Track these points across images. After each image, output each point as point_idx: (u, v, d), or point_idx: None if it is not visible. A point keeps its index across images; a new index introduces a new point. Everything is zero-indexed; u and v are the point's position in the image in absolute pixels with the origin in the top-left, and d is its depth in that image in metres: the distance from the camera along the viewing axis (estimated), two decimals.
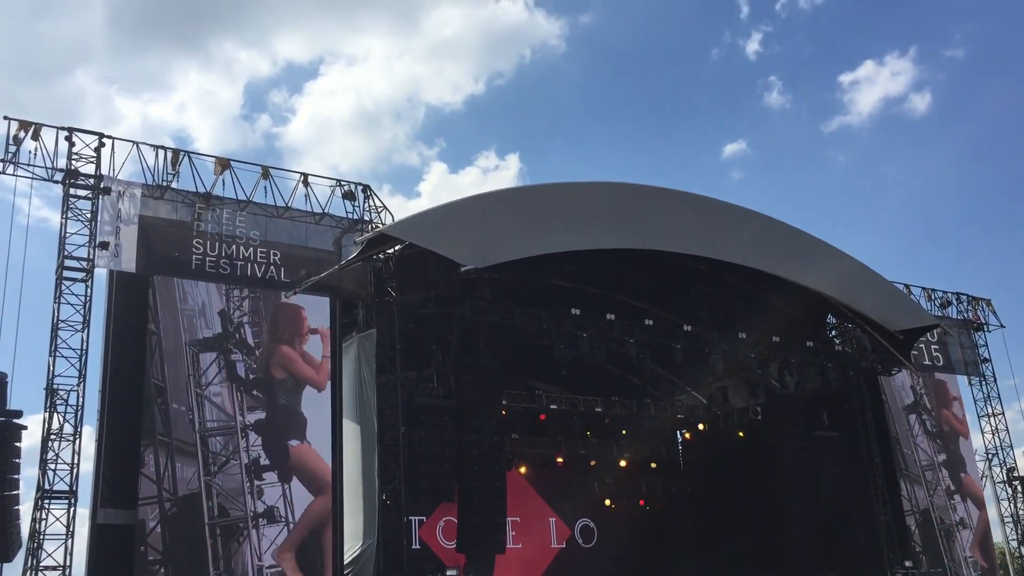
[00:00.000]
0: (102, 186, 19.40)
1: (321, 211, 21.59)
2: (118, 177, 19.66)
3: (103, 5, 71.29)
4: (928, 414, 29.32)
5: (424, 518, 25.96)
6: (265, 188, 20.90)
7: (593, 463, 30.17)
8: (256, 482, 17.50)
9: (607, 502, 30.75)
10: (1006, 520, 30.06)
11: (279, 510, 17.89)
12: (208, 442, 17.42)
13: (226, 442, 17.59)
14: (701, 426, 31.77)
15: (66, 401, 18.01)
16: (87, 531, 17.67)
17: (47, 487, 17.51)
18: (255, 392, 18.30)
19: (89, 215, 19.17)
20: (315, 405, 19.94)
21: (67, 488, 17.64)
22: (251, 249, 20.59)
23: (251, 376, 18.65)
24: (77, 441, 17.96)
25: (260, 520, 17.34)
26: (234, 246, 20.41)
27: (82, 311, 18.62)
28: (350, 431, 21.07)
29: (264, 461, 17.81)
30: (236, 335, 18.74)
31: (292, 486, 18.37)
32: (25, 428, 17.27)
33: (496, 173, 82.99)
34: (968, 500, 28.91)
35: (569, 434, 29.33)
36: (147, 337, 17.76)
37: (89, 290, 18.79)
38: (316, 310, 20.59)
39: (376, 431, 20.66)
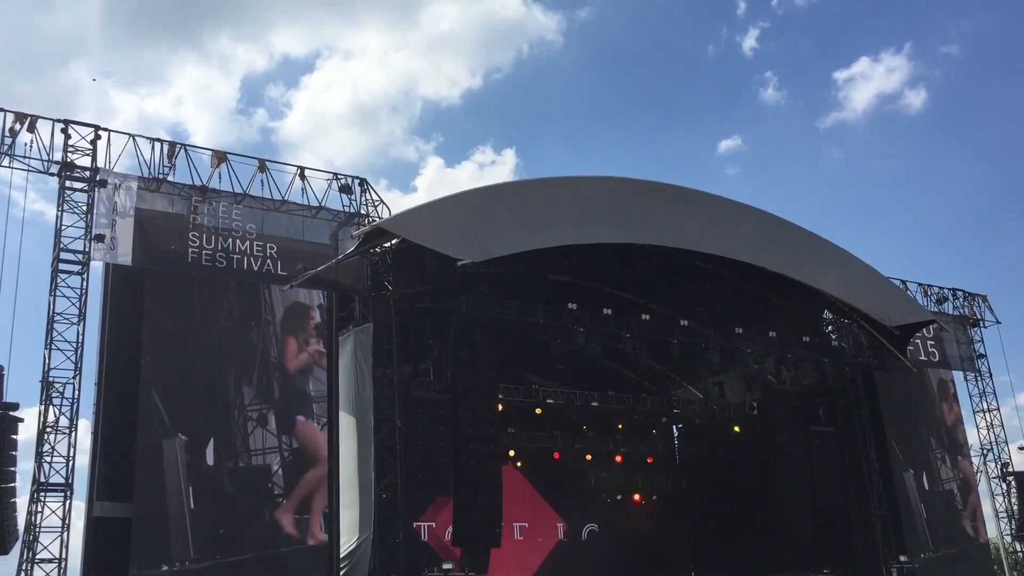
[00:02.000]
0: (98, 179, 19.31)
1: (318, 205, 21.55)
2: (114, 170, 19.61)
3: None
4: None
5: (420, 512, 25.99)
6: (262, 181, 20.90)
7: (589, 457, 30.28)
8: None
9: (603, 496, 30.80)
10: (1000, 515, 30.12)
11: None
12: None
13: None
14: (697, 421, 31.83)
15: (62, 394, 18.00)
16: (83, 524, 17.69)
17: (43, 480, 17.49)
18: None
19: (85, 208, 19.10)
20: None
21: (63, 481, 17.62)
22: (248, 242, 20.58)
23: None
24: (73, 434, 17.97)
25: None
26: (231, 239, 20.40)
27: (78, 304, 18.56)
28: (346, 424, 21.12)
29: None
30: None
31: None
32: (21, 421, 17.23)
33: (492, 168, 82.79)
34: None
35: (566, 429, 29.40)
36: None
37: (85, 283, 18.74)
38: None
39: (372, 425, 20.70)
